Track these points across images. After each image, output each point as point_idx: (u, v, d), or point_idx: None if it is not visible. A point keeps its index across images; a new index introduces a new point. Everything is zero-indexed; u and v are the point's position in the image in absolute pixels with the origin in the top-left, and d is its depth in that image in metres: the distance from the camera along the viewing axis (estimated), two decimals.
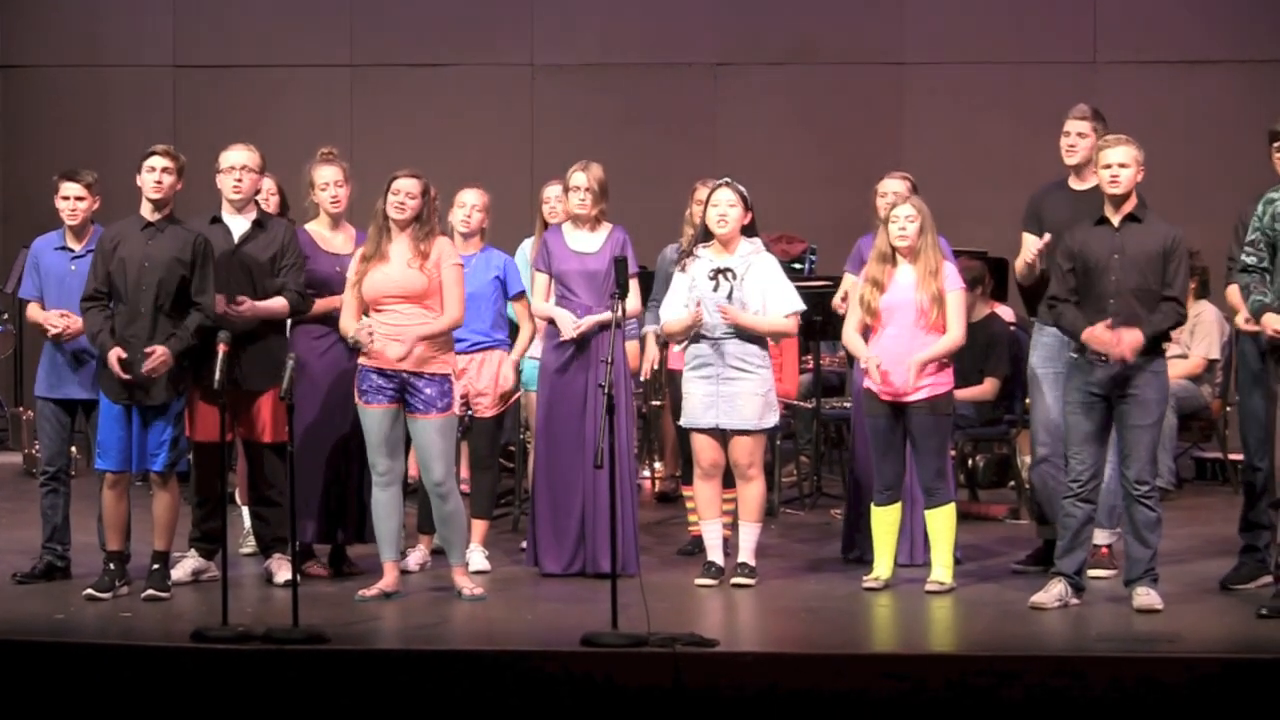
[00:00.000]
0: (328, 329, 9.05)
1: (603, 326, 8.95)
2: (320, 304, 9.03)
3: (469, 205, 9.48)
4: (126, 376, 8.43)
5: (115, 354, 8.43)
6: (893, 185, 9.40)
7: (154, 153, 8.70)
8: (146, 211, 8.68)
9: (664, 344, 10.15)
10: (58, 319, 8.89)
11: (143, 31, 15.31)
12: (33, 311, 9.14)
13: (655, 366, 10.36)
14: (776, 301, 8.95)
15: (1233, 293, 8.67)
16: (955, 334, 8.78)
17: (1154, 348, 8.24)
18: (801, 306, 9.05)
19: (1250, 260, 8.15)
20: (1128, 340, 8.11)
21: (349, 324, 8.56)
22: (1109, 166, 8.31)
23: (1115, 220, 8.35)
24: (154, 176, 8.66)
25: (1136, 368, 8.19)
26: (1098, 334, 8.15)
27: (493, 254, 9.49)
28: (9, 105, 15.42)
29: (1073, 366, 8.39)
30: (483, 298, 9.23)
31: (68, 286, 8.88)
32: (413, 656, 7.58)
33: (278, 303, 8.83)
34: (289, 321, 9.04)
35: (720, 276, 8.95)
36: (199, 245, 8.63)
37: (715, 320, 8.90)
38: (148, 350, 8.41)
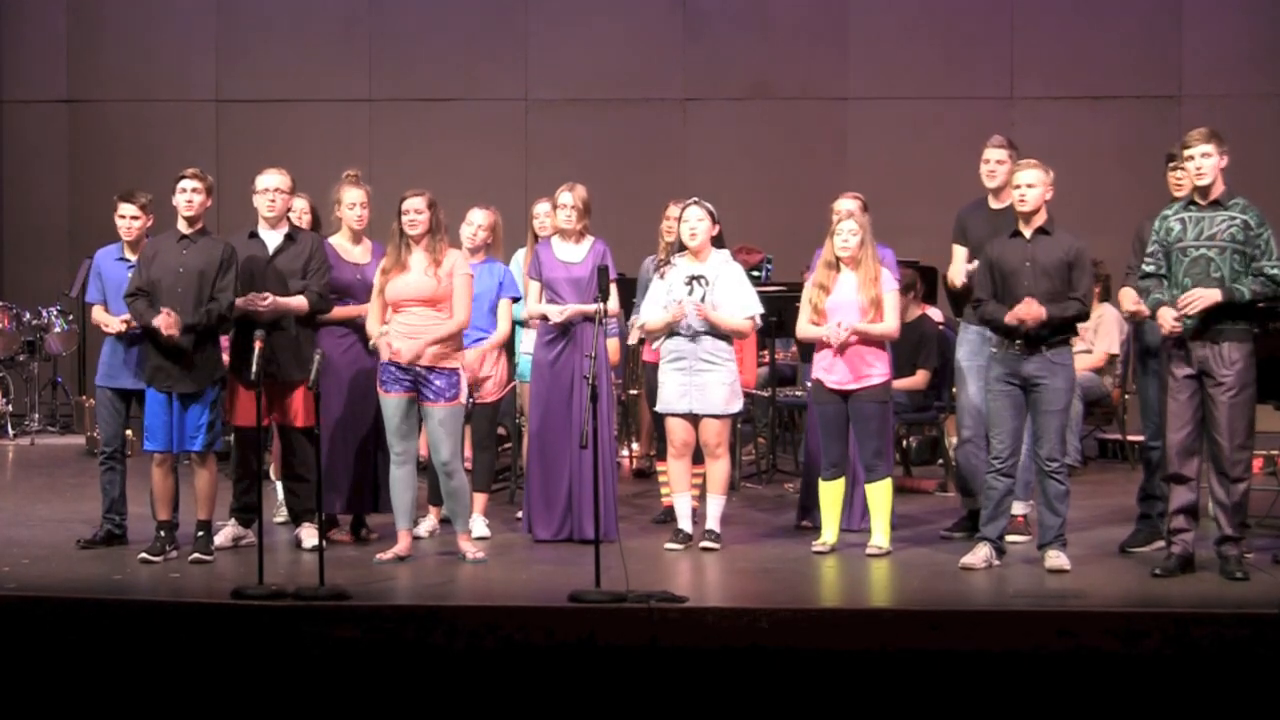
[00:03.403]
0: (349, 330, 9.05)
1: (586, 317, 8.97)
2: (340, 312, 9.01)
3: (475, 224, 9.48)
4: (174, 333, 8.44)
5: (164, 314, 8.46)
6: (846, 204, 9.36)
7: (185, 176, 8.74)
8: (182, 226, 8.71)
9: (640, 340, 10.13)
10: (121, 323, 8.86)
11: (189, 71, 15.27)
12: (98, 314, 9.09)
13: (632, 341, 10.34)
14: (740, 306, 8.97)
15: (1125, 293, 8.75)
16: (891, 323, 8.83)
17: (1059, 334, 8.27)
18: (760, 309, 9.08)
19: (1150, 269, 8.19)
20: (1035, 311, 8.14)
21: (374, 327, 8.57)
22: (1019, 186, 8.38)
23: (1027, 233, 8.39)
24: (185, 196, 8.68)
25: (1047, 361, 8.22)
26: (1016, 312, 8.20)
27: (495, 265, 9.48)
28: (75, 135, 15.36)
29: (993, 360, 8.41)
30: (484, 301, 9.21)
31: (124, 291, 8.84)
32: (423, 611, 7.57)
33: (297, 300, 8.80)
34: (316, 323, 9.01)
35: (694, 282, 8.97)
36: (225, 253, 8.64)
37: (690, 320, 8.91)
38: (163, 309, 8.45)
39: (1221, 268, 7.96)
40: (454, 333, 8.56)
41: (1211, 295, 7.91)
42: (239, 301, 8.67)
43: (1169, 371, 8.10)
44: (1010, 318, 8.20)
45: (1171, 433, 8.10)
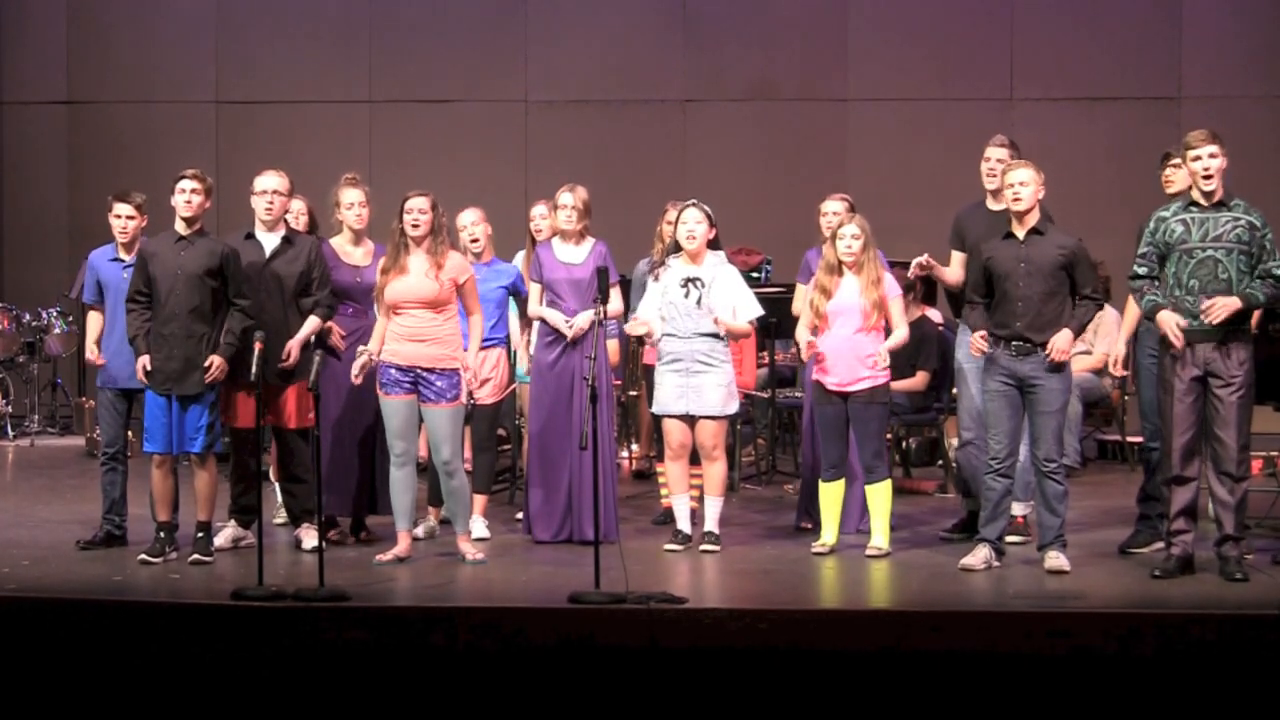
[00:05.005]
0: (348, 332, 9.06)
1: (592, 326, 8.96)
2: (333, 329, 9.03)
3: (471, 230, 9.45)
4: (144, 382, 8.51)
5: (142, 363, 8.52)
6: (833, 206, 9.39)
7: (184, 176, 8.73)
8: (180, 227, 8.69)
9: (640, 342, 10.11)
10: (93, 356, 8.95)
11: (189, 72, 15.26)
12: (93, 321, 9.07)
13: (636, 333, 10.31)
14: (742, 309, 8.97)
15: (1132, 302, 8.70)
16: (903, 331, 8.86)
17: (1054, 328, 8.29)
18: (759, 312, 9.08)
19: (1141, 271, 8.17)
20: (1060, 345, 8.18)
21: (374, 346, 8.56)
22: (1011, 186, 8.37)
23: (1020, 233, 8.38)
24: (185, 197, 8.67)
25: (1042, 362, 8.23)
26: (975, 343, 8.34)
27: (501, 266, 9.48)
28: (75, 136, 15.36)
29: (988, 360, 8.40)
30: (489, 302, 9.21)
31: (120, 291, 8.83)
32: (423, 612, 7.57)
33: (312, 324, 8.84)
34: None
35: (690, 285, 8.96)
36: (226, 255, 8.63)
37: (686, 323, 8.90)
38: (206, 364, 8.47)
39: (1229, 269, 7.96)
40: (481, 335, 8.68)
41: (1232, 303, 7.91)
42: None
43: (1174, 375, 8.06)
44: (975, 352, 8.32)
45: (1177, 436, 8.07)
